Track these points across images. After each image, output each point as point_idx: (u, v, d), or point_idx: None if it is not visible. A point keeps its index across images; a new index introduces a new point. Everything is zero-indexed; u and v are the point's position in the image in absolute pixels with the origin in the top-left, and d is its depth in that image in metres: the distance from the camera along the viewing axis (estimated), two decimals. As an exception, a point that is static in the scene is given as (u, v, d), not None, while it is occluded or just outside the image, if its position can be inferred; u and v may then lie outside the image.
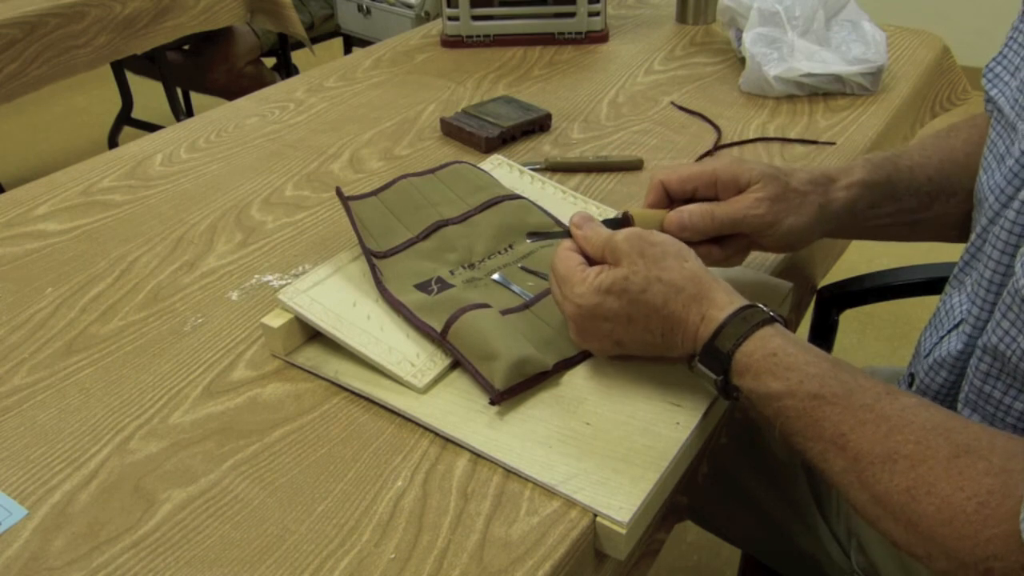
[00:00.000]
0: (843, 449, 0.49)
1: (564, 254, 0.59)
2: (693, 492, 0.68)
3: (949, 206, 0.69)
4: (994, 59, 0.63)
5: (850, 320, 1.81)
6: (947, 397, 0.61)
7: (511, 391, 0.58)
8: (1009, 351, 0.52)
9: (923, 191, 0.68)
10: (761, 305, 0.54)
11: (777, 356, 0.51)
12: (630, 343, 0.58)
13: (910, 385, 0.65)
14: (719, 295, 0.55)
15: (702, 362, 0.55)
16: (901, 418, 0.48)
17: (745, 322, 0.53)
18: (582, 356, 0.62)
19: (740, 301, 0.54)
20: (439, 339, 0.61)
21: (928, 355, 0.62)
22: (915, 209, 0.68)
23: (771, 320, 0.53)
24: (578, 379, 0.60)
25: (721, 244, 0.64)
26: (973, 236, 0.60)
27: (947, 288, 0.64)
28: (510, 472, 0.54)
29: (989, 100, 0.63)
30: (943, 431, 0.47)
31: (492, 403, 0.58)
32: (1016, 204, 0.53)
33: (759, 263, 0.76)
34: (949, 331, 0.60)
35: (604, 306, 0.56)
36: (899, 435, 0.47)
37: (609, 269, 0.57)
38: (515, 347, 0.58)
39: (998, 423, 0.56)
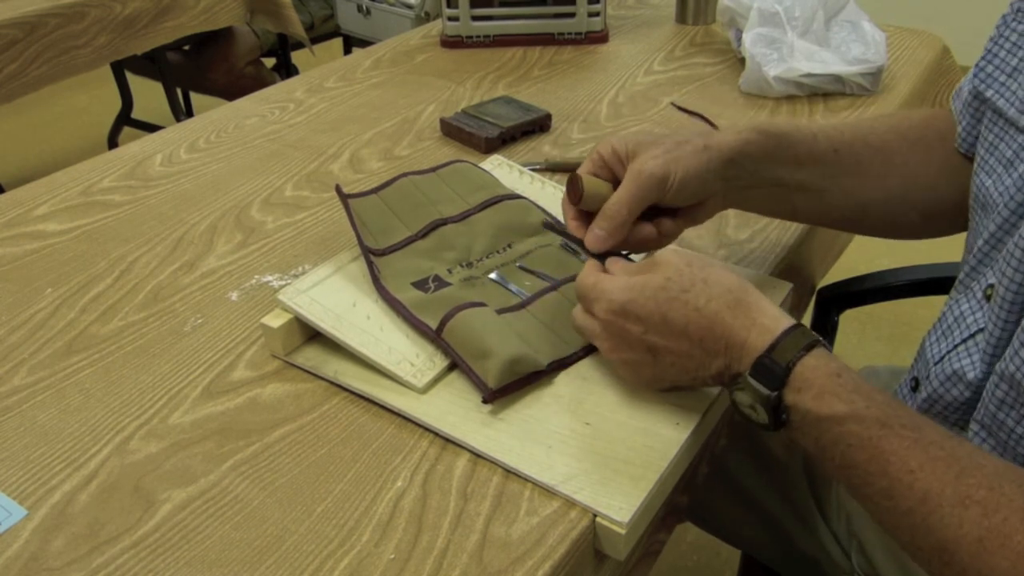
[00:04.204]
0: (910, 488, 0.45)
1: (588, 268, 0.57)
2: (693, 492, 0.67)
3: (859, 187, 0.68)
4: (983, 59, 0.62)
5: (850, 320, 1.81)
6: (959, 412, 0.59)
7: (504, 390, 0.58)
8: None
9: (828, 160, 0.66)
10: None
11: (842, 377, 0.48)
12: (664, 352, 0.54)
13: (914, 390, 0.64)
14: (769, 306, 0.52)
15: (754, 375, 0.50)
16: (971, 460, 0.45)
17: (804, 336, 0.50)
18: (577, 356, 0.62)
19: (790, 317, 0.52)
20: (434, 337, 0.61)
21: (938, 363, 0.60)
22: (821, 177, 0.66)
23: (821, 342, 0.51)
24: (577, 379, 0.60)
25: (654, 223, 0.62)
26: (980, 241, 0.59)
27: (953, 293, 0.63)
28: (510, 472, 0.54)
29: (984, 101, 0.62)
30: (1013, 478, 0.44)
31: (485, 401, 0.58)
32: None
33: (760, 262, 0.76)
34: (964, 340, 0.59)
35: (637, 303, 0.53)
36: (971, 478, 0.44)
37: (647, 272, 0.54)
38: (509, 346, 0.58)
39: (1009, 452, 0.54)
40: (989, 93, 0.60)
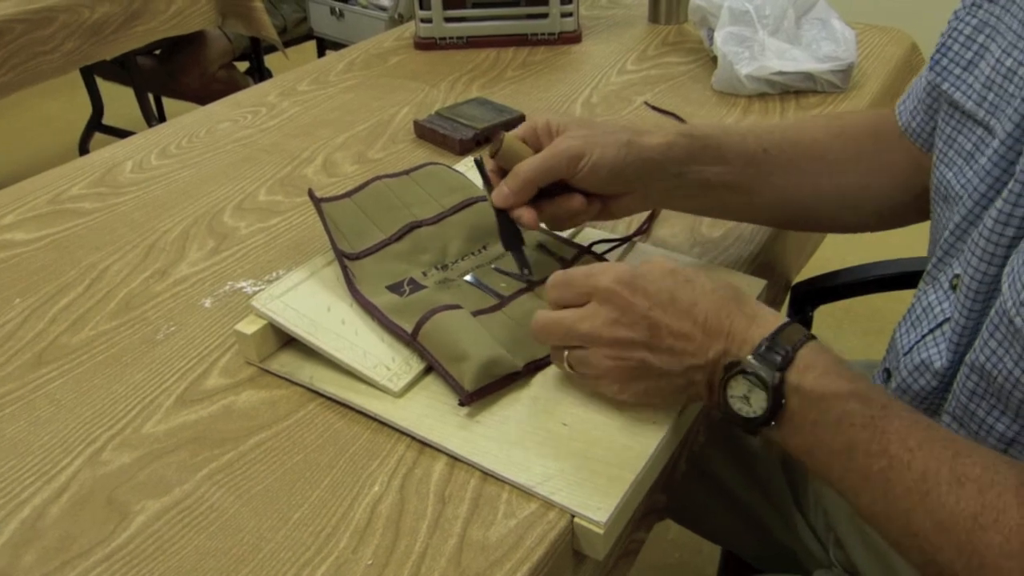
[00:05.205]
0: (908, 466, 0.46)
1: (560, 271, 0.57)
2: (672, 490, 0.68)
3: (791, 185, 0.69)
4: (938, 52, 0.63)
5: (825, 316, 1.82)
6: (927, 402, 0.60)
7: (480, 392, 0.57)
8: (996, 371, 0.51)
9: (758, 160, 0.68)
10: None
11: (843, 364, 0.50)
12: (665, 333, 0.52)
13: (886, 381, 0.65)
14: (764, 306, 0.54)
15: (758, 358, 0.50)
16: (967, 444, 0.47)
17: (801, 330, 0.52)
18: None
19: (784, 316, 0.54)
20: (409, 340, 0.61)
21: (908, 353, 0.61)
22: (751, 177, 0.67)
23: (816, 337, 0.52)
24: (554, 380, 0.60)
25: (561, 199, 0.65)
26: (946, 233, 0.59)
27: (921, 284, 0.64)
28: (487, 475, 0.54)
29: (940, 94, 0.63)
30: (1008, 460, 0.46)
31: (461, 404, 0.57)
32: (994, 212, 0.52)
33: (733, 260, 0.76)
34: (931, 330, 0.59)
35: (647, 278, 0.53)
36: (967, 458, 0.45)
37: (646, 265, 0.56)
38: (485, 348, 0.58)
39: (980, 442, 0.55)
40: (945, 86, 0.61)
